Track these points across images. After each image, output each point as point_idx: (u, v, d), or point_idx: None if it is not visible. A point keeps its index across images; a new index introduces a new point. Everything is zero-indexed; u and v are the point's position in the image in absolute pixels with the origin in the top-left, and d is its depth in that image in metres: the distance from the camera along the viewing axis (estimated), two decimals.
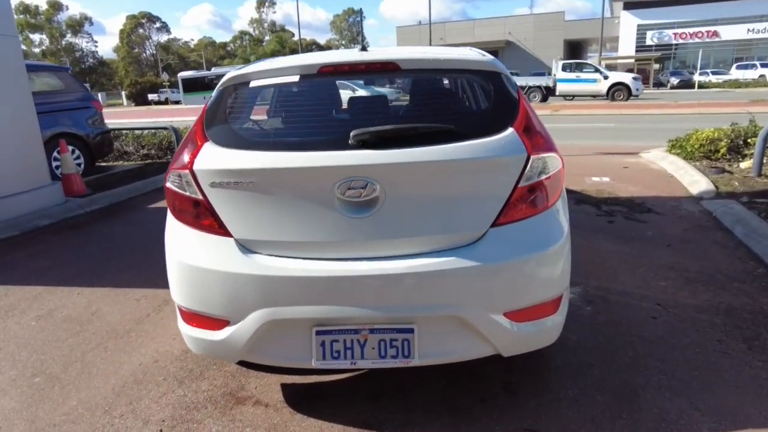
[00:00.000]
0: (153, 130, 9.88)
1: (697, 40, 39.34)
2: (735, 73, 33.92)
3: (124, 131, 9.84)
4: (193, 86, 34.64)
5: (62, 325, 3.03)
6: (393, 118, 2.19)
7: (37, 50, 68.05)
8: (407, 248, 1.76)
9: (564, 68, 22.94)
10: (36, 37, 68.84)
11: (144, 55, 76.16)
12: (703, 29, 39.00)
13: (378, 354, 1.79)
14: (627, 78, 22.16)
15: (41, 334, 2.92)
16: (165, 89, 48.98)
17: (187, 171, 1.82)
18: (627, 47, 40.73)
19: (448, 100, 2.54)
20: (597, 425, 1.93)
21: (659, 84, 34.68)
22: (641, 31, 40.77)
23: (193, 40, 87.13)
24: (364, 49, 2.17)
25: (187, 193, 1.84)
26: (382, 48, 2.47)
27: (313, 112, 2.08)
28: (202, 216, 1.84)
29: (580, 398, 2.09)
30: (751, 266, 3.37)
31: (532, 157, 1.75)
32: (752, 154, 5.87)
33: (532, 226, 1.79)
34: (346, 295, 1.74)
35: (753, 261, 3.45)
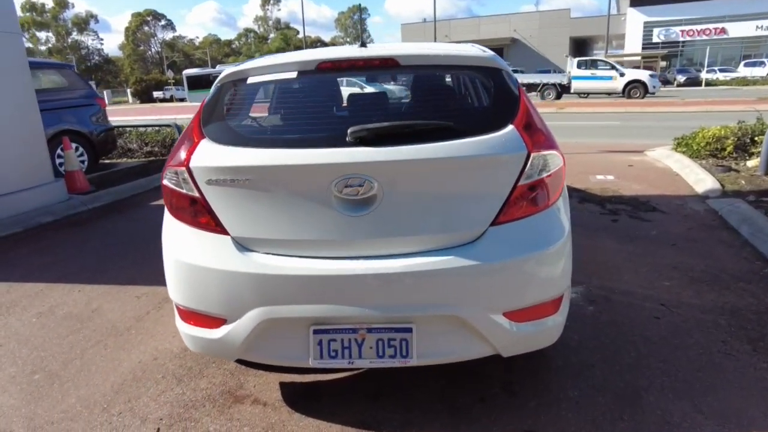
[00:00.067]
0: (156, 128, 9.91)
1: (704, 37, 39.01)
2: (743, 71, 33.58)
3: (128, 128, 9.87)
4: (197, 84, 34.67)
5: (63, 322, 3.03)
6: (392, 115, 2.17)
7: (43, 48, 68.41)
8: (405, 247, 1.74)
9: (579, 65, 22.55)
10: (42, 34, 69.25)
11: (149, 52, 76.38)
12: (711, 26, 38.66)
13: (376, 354, 1.78)
14: (644, 75, 21.81)
15: (42, 331, 2.92)
16: (170, 87, 49.08)
17: (184, 168, 1.80)
18: (633, 44, 40.46)
19: (449, 96, 2.52)
20: (598, 427, 1.91)
21: (666, 81, 34.41)
22: (648, 28, 40.48)
23: (198, 37, 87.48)
24: (363, 45, 2.15)
25: (184, 191, 1.83)
26: (382, 44, 2.44)
27: (311, 109, 2.06)
28: (199, 214, 1.82)
29: (581, 399, 2.07)
30: (757, 266, 3.32)
31: (532, 154, 1.73)
32: (759, 152, 5.80)
33: (532, 225, 1.77)
34: (343, 294, 1.72)
35: (759, 261, 3.40)
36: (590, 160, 7.32)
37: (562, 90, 22.79)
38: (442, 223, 1.72)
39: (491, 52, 2.09)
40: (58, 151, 6.66)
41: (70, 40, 70.79)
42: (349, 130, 1.70)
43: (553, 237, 1.80)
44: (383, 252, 1.74)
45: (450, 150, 1.68)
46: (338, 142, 1.71)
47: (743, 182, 5.34)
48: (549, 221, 1.81)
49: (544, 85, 23.19)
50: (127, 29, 73.27)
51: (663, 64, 35.94)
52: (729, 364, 2.26)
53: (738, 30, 38.09)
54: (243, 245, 1.79)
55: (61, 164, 6.57)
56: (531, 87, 23.49)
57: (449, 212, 1.72)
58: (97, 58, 74.21)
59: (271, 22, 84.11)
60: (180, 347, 2.62)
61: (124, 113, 25.52)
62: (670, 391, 2.09)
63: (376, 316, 1.73)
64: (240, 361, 2.32)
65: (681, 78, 33.37)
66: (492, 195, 1.73)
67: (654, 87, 21.51)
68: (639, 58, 35.43)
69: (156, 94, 49.22)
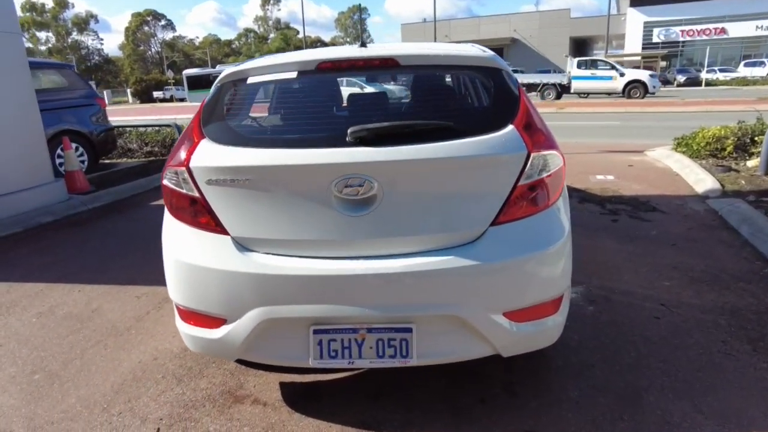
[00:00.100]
0: (156, 128, 9.91)
1: (704, 37, 39.01)
2: (743, 71, 33.57)
3: (128, 128, 9.87)
4: (197, 84, 34.67)
5: (63, 322, 3.03)
6: (392, 115, 2.17)
7: (43, 48, 68.40)
8: (405, 247, 1.74)
9: (579, 65, 22.50)
10: (42, 34, 69.23)
11: (149, 52, 76.38)
12: (711, 26, 38.66)
13: (376, 354, 1.77)
14: (644, 75, 21.76)
15: (42, 331, 2.92)
16: (170, 87, 49.08)
17: (184, 168, 1.80)
18: (633, 45, 40.47)
19: (448, 96, 2.52)
20: (598, 427, 1.91)
21: (666, 81, 34.41)
22: (648, 28, 40.48)
23: (198, 37, 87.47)
24: (363, 45, 2.15)
25: (184, 191, 1.83)
26: (382, 44, 2.44)
27: (311, 109, 2.06)
28: (199, 214, 1.82)
29: (581, 399, 2.07)
30: (757, 266, 3.32)
31: (532, 154, 1.73)
32: (759, 152, 5.80)
33: (532, 225, 1.77)
34: (343, 294, 1.72)
35: (759, 261, 3.40)
36: (590, 160, 7.32)
37: (562, 90, 22.76)
38: (442, 223, 1.72)
39: (491, 52, 2.09)
40: (58, 151, 6.66)
41: (70, 40, 70.78)
42: (349, 130, 1.70)
43: (553, 237, 1.80)
44: (383, 252, 1.74)
45: (450, 150, 1.68)
46: (338, 142, 1.71)
47: (743, 182, 5.34)
48: (549, 221, 1.81)
49: (544, 85, 23.15)
50: (127, 29, 73.28)
51: (663, 64, 35.93)
52: (729, 364, 2.26)
53: (738, 30, 38.09)
54: (243, 245, 1.79)
55: (61, 164, 6.57)
56: (531, 87, 23.45)
57: (449, 212, 1.72)
58: (97, 58, 74.21)
59: (271, 22, 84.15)
60: (180, 347, 2.62)
61: (124, 113, 25.51)
62: (670, 391, 2.09)
63: (376, 316, 1.73)
64: (240, 361, 2.32)
65: (681, 78, 33.38)
66: (492, 195, 1.73)
67: (654, 87, 21.47)
68: (639, 58, 35.40)
69: (156, 94, 49.22)
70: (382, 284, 1.70)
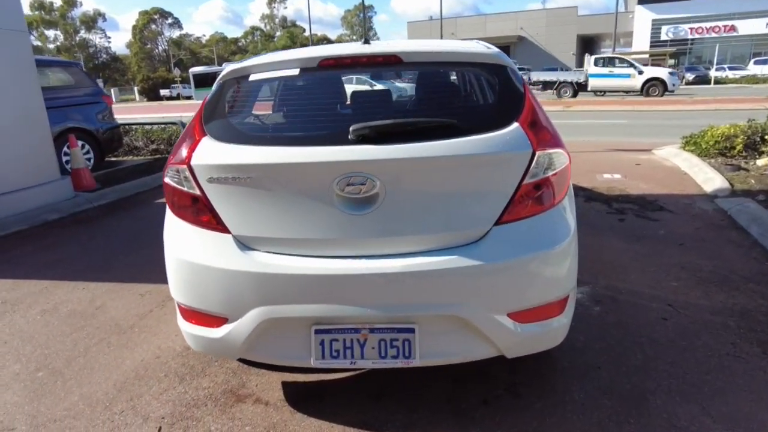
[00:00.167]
0: (162, 125, 9.94)
1: (713, 34, 38.61)
2: (753, 69, 33.18)
3: (134, 126, 9.91)
4: (204, 82, 34.74)
5: (67, 319, 3.03)
6: (395, 112, 2.14)
7: (51, 46, 68.85)
8: (408, 246, 1.71)
9: (596, 63, 21.96)
10: (51, 33, 69.68)
11: (156, 50, 76.72)
12: (720, 24, 38.26)
13: (378, 354, 1.75)
14: (663, 73, 21.21)
15: (46, 329, 2.93)
16: (177, 85, 49.32)
17: (185, 166, 1.79)
18: (641, 42, 40.15)
19: (452, 94, 2.49)
20: (604, 430, 1.88)
21: None
22: (656, 25, 40.14)
23: (204, 35, 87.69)
24: (367, 42, 2.13)
25: (185, 189, 1.82)
26: (386, 41, 2.42)
27: (313, 107, 2.04)
28: (200, 212, 1.81)
29: (587, 402, 2.04)
30: (767, 267, 3.27)
31: (537, 152, 1.70)
32: None
33: (537, 224, 1.74)
34: (345, 293, 1.70)
35: None
36: (597, 158, 7.26)
37: (579, 88, 22.30)
38: (446, 222, 1.69)
39: (496, 49, 2.05)
40: (65, 148, 6.68)
41: (78, 39, 71.21)
42: (351, 128, 1.68)
43: (559, 236, 1.77)
44: (385, 251, 1.71)
45: (453, 148, 1.65)
46: (340, 139, 1.69)
47: (753, 181, 5.27)
48: (554, 220, 1.78)
49: (561, 83, 22.71)
50: (134, 27, 73.65)
51: (671, 62, 35.53)
52: (738, 366, 2.22)
53: (748, 27, 37.66)
54: (244, 244, 1.78)
55: (67, 162, 6.59)
56: (547, 85, 23.13)
57: (452, 211, 1.69)
58: (104, 56, 74.61)
59: (277, 20, 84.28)
60: (182, 345, 2.61)
61: (132, 111, 25.62)
62: (677, 394, 2.06)
63: (378, 316, 1.71)
64: (242, 360, 2.31)
65: (690, 76, 33.02)
66: (496, 194, 1.71)
67: (673, 85, 20.81)
68: (647, 56, 35.07)
69: (163, 92, 49.47)
70: (384, 284, 1.68)
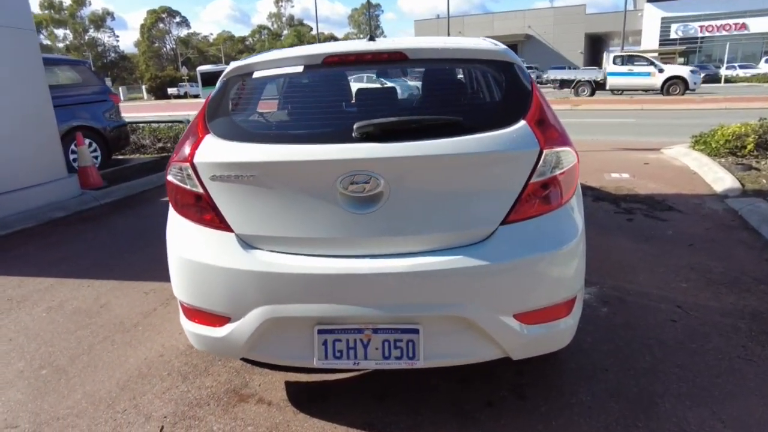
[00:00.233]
0: (169, 124, 9.97)
1: (724, 33, 38.15)
2: (764, 67, 32.78)
3: (141, 124, 9.95)
4: (211, 80, 34.86)
5: (71, 317, 3.04)
6: (400, 110, 2.12)
7: (60, 45, 69.37)
8: (413, 246, 1.69)
9: (615, 61, 21.37)
10: (60, 32, 70.17)
11: (164, 49, 77.06)
12: (731, 21, 37.79)
13: (382, 355, 1.73)
14: (684, 71, 20.60)
15: (51, 326, 2.93)
16: (184, 83, 49.56)
17: (188, 164, 1.77)
18: (650, 41, 39.77)
19: (459, 91, 2.46)
20: None
21: None
22: (665, 24, 39.73)
23: (212, 34, 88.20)
24: (372, 39, 2.10)
25: (188, 187, 1.80)
26: (391, 38, 2.39)
27: (317, 104, 2.02)
28: (203, 210, 1.79)
29: (594, 404, 2.00)
30: None
31: (545, 151, 1.66)
32: None
33: (544, 224, 1.70)
34: (348, 293, 1.68)
35: None
36: (605, 157, 7.19)
37: (597, 87, 21.81)
38: (451, 222, 1.67)
39: (503, 46, 2.02)
40: (72, 146, 6.71)
41: (87, 38, 71.66)
42: (355, 126, 1.65)
43: (566, 236, 1.74)
44: (390, 251, 1.69)
45: (459, 146, 1.62)
46: (344, 137, 1.66)
47: (764, 181, 5.19)
48: (562, 220, 1.75)
49: (578, 81, 22.24)
50: (142, 26, 74.01)
51: (680, 60, 35.10)
52: (750, 370, 2.18)
53: (759, 25, 37.16)
54: (247, 242, 1.76)
55: (74, 160, 6.62)
56: (564, 83, 22.80)
57: (458, 210, 1.66)
58: (113, 55, 75.03)
59: (284, 19, 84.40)
60: (186, 344, 2.60)
61: (139, 110, 25.78)
62: (687, 397, 2.02)
63: (382, 316, 1.68)
64: (246, 360, 2.29)
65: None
66: (503, 193, 1.68)
67: (695, 83, 20.20)
68: (656, 54, 34.73)
69: (170, 90, 49.74)
70: (388, 284, 1.66)
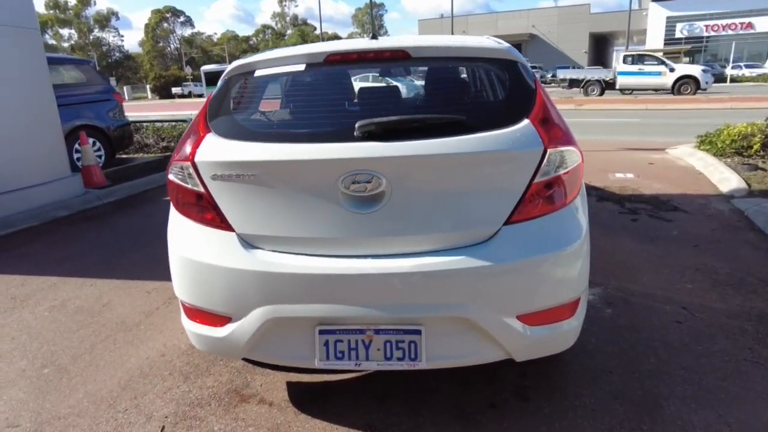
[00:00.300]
0: (173, 123, 9.99)
1: (729, 32, 37.86)
2: None
3: (145, 124, 9.97)
4: (215, 79, 34.70)
5: (74, 316, 3.03)
6: (403, 108, 2.10)
7: (66, 45, 69.65)
8: (415, 246, 1.67)
9: (625, 60, 21.12)
10: (65, 32, 70.46)
11: (168, 49, 77.25)
12: (737, 21, 37.50)
13: (383, 356, 1.72)
14: (695, 70, 20.32)
15: (53, 325, 2.93)
16: (188, 83, 49.66)
17: (189, 163, 1.76)
18: (655, 40, 39.49)
19: (462, 90, 2.44)
20: None
21: None
22: (670, 23, 39.46)
23: (216, 34, 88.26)
24: (375, 37, 2.08)
25: (189, 186, 1.79)
26: (394, 37, 2.37)
27: (319, 103, 2.00)
28: (204, 209, 1.78)
29: (598, 407, 1.98)
30: None
31: (549, 150, 1.64)
32: None
33: (548, 224, 1.68)
34: (350, 293, 1.66)
35: None
36: (609, 157, 7.15)
37: (606, 86, 21.56)
38: (454, 222, 1.65)
39: (506, 44, 2.00)
40: (76, 145, 6.73)
41: (91, 37, 71.91)
42: (356, 125, 1.64)
43: (570, 237, 1.72)
44: (391, 251, 1.67)
45: (462, 145, 1.60)
46: (346, 136, 1.65)
47: None
48: (566, 220, 1.73)
49: (588, 81, 22.00)
50: (147, 26, 74.22)
51: (686, 60, 34.91)
52: (756, 372, 2.15)
53: (765, 25, 36.84)
54: (248, 242, 1.75)
55: (78, 159, 6.64)
56: (573, 82, 22.62)
57: (461, 210, 1.65)
58: (117, 54, 75.27)
59: (288, 19, 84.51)
60: (188, 344, 2.60)
61: (143, 109, 25.85)
62: (692, 400, 1.99)
63: (384, 317, 1.67)
64: (247, 360, 2.28)
65: None
66: (506, 192, 1.66)
67: (707, 83, 19.94)
68: (660, 54, 34.55)
69: (174, 90, 49.87)
70: (390, 284, 1.64)
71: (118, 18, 75.14)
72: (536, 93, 1.79)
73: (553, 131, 1.69)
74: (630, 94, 21.45)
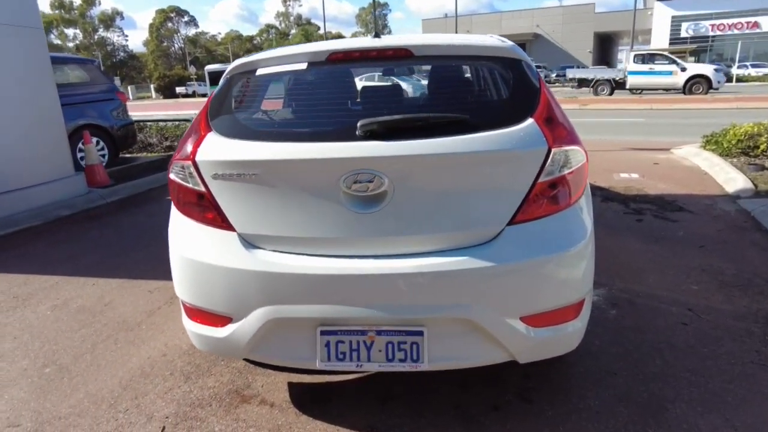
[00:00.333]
0: (176, 122, 10.01)
1: (735, 31, 37.62)
2: None
3: (148, 123, 9.99)
4: (218, 79, 34.77)
5: (76, 315, 3.03)
6: (405, 107, 2.08)
7: (71, 44, 69.95)
8: (417, 246, 1.65)
9: (636, 59, 20.82)
10: (70, 31, 70.74)
11: (172, 48, 77.46)
12: (743, 20, 37.26)
13: (385, 357, 1.70)
14: (708, 70, 19.97)
15: (55, 324, 2.93)
16: (192, 82, 49.80)
17: (190, 162, 1.75)
18: (660, 40, 39.29)
19: (465, 88, 2.41)
20: None
21: None
22: (676, 22, 39.25)
23: (220, 33, 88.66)
24: (377, 36, 2.07)
25: (190, 185, 1.78)
26: (397, 35, 2.35)
27: (321, 102, 1.98)
28: (205, 209, 1.77)
29: (602, 409, 1.95)
30: None
31: (553, 150, 1.62)
32: None
33: (552, 225, 1.66)
34: (351, 294, 1.65)
35: None
36: (614, 157, 7.10)
37: (617, 86, 21.31)
38: (456, 222, 1.63)
39: (510, 43, 1.98)
40: (79, 145, 6.74)
41: (96, 37, 72.18)
42: (358, 124, 1.62)
43: (575, 237, 1.69)
44: (393, 251, 1.66)
45: (465, 144, 1.59)
46: (347, 135, 1.63)
47: None
48: (570, 221, 1.71)
49: (598, 80, 21.79)
50: (151, 26, 74.44)
51: (691, 59, 34.70)
52: (763, 375, 2.12)
53: None
54: (249, 242, 1.73)
55: (81, 158, 6.65)
56: (583, 82, 22.45)
57: (464, 210, 1.63)
58: (122, 54, 75.51)
59: (292, 18, 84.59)
60: (189, 343, 2.59)
61: (147, 108, 25.92)
62: (698, 403, 1.97)
63: (385, 317, 1.65)
64: (248, 360, 2.27)
65: None
66: (510, 192, 1.64)
67: (719, 82, 19.64)
68: (666, 53, 34.33)
69: (179, 89, 50.02)
70: (392, 285, 1.62)
71: (122, 18, 75.44)
72: (540, 92, 1.77)
73: (557, 130, 1.67)
74: (639, 93, 21.20)
